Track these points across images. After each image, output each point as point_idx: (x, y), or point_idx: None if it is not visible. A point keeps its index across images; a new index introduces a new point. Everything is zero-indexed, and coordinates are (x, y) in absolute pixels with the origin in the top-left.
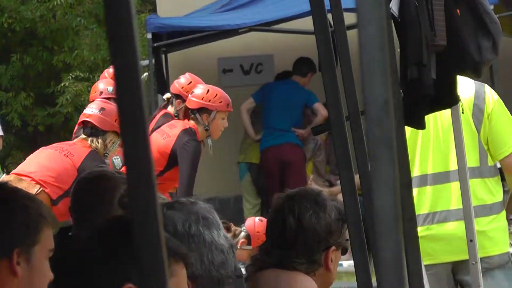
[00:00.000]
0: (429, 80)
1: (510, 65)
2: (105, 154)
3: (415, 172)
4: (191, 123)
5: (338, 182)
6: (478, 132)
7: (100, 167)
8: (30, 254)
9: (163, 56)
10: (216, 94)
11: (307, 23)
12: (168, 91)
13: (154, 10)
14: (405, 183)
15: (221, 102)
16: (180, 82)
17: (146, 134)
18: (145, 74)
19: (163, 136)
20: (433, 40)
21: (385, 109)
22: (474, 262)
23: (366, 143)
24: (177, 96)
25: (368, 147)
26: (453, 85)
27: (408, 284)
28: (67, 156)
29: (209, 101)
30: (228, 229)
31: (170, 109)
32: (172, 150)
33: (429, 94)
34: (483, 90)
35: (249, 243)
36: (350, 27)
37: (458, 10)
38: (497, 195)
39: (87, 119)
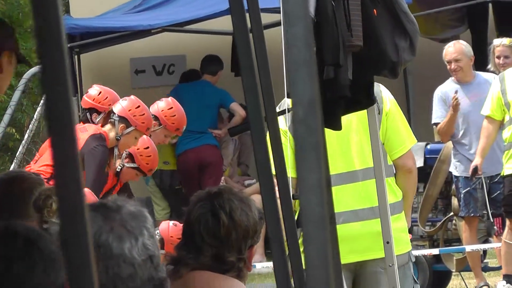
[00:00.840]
0: (345, 81)
1: (424, 66)
2: (116, 138)
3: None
4: (105, 127)
5: (248, 183)
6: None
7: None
8: None
9: (76, 57)
10: (144, 114)
11: (219, 23)
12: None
13: (67, 11)
14: (328, 183)
15: (143, 123)
16: (126, 104)
17: (73, 135)
18: None
19: None
20: (349, 40)
21: (311, 109)
22: (390, 264)
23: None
24: (121, 118)
25: (295, 148)
26: (370, 86)
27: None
28: None
29: (134, 115)
30: None
31: (109, 129)
32: (80, 155)
33: (345, 95)
34: (379, 89)
35: (162, 248)
36: (266, 26)
37: (375, 10)
38: (399, 194)
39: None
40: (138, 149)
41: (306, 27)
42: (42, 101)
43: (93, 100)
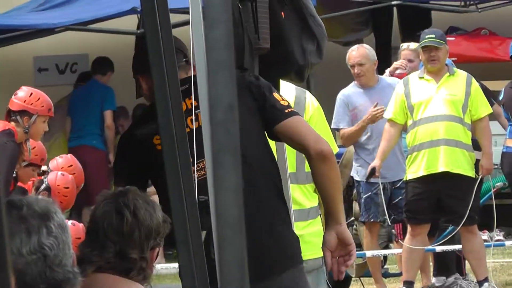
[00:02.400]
0: None
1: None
2: (25, 131)
3: None
4: (11, 124)
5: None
6: None
7: None
8: None
9: None
10: (39, 98)
11: (122, 23)
12: None
13: None
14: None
15: (42, 106)
16: (19, 96)
17: None
18: None
19: None
20: (257, 43)
21: (230, 112)
22: None
23: (209, 146)
24: (21, 112)
25: (213, 151)
26: (276, 88)
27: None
28: None
29: (31, 104)
30: None
31: (15, 126)
32: None
33: None
34: (304, 96)
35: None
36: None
37: (283, 13)
38: (313, 200)
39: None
40: (58, 185)
41: (227, 31)
42: None
43: (24, 102)
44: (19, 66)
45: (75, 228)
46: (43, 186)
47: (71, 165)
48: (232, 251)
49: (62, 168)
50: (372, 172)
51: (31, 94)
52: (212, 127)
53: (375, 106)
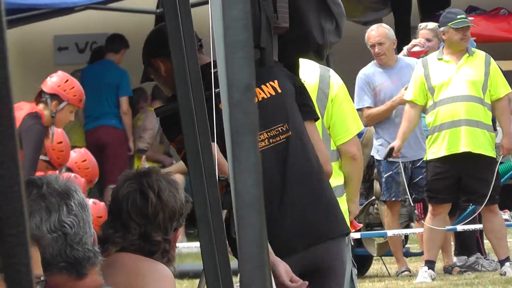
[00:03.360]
0: (270, 62)
1: (346, 48)
2: (51, 116)
3: None
4: (39, 107)
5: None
6: (322, 116)
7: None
8: None
9: None
10: (73, 87)
11: (142, 2)
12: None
13: None
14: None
15: (75, 95)
16: (54, 80)
17: (11, 114)
18: None
19: None
20: (275, 22)
21: (248, 92)
22: None
23: (228, 127)
24: (52, 96)
25: (231, 131)
26: (295, 67)
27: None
28: None
29: (64, 90)
30: None
31: (43, 108)
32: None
33: None
34: (328, 74)
35: None
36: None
37: None
38: (339, 179)
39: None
40: (76, 162)
41: (245, 10)
42: None
43: (58, 86)
44: (39, 45)
45: (96, 207)
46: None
47: (85, 160)
48: (251, 230)
49: (76, 163)
50: (390, 151)
51: (67, 80)
52: (230, 108)
53: (406, 88)
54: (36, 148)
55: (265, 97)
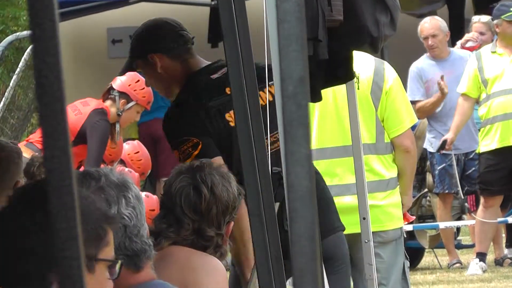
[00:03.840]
0: (324, 55)
1: (400, 41)
2: (118, 114)
3: (313, 145)
4: (106, 103)
5: None
6: (376, 108)
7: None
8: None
9: None
10: (143, 88)
11: None
12: None
13: None
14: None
15: (144, 97)
16: (126, 80)
17: (63, 107)
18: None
19: (75, 112)
20: (330, 15)
21: (301, 86)
22: (366, 241)
23: (282, 119)
24: (122, 94)
25: (284, 124)
26: (349, 60)
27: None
28: (76, 115)
29: (134, 90)
30: None
31: (110, 105)
32: (82, 128)
33: (324, 69)
34: (383, 67)
35: None
36: None
37: None
38: (393, 171)
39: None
40: (128, 154)
41: (298, 2)
42: (18, 69)
43: (129, 85)
44: (93, 37)
45: (148, 200)
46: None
47: (138, 152)
48: (304, 223)
49: (128, 154)
50: (443, 144)
51: (138, 81)
52: (283, 101)
53: (442, 79)
54: (102, 144)
55: (262, 104)
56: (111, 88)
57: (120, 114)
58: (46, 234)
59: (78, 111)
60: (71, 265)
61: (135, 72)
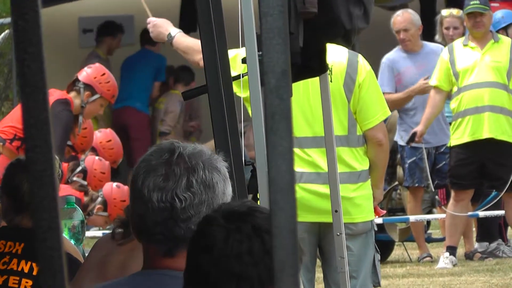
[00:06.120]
0: (296, 48)
1: (371, 33)
2: (82, 106)
3: None
4: (70, 94)
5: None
6: (349, 101)
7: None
8: None
9: None
10: (109, 81)
11: None
12: None
13: None
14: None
15: (109, 90)
16: (91, 72)
17: (45, 98)
18: (6, 31)
19: None
20: (302, 7)
21: (283, 79)
22: (338, 233)
23: (264, 113)
24: (87, 86)
25: (266, 116)
26: (322, 52)
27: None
28: None
29: (99, 83)
30: (86, 193)
31: (74, 96)
32: None
33: (296, 62)
34: (356, 59)
35: (105, 210)
36: None
37: None
38: (365, 164)
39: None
40: (100, 142)
41: None
42: None
43: (94, 78)
44: (64, 27)
45: (119, 191)
46: (79, 168)
47: (110, 140)
48: (284, 216)
49: (100, 142)
50: (413, 136)
51: (104, 74)
52: (265, 93)
53: (425, 78)
54: (64, 134)
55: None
56: (77, 80)
57: (84, 106)
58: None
59: None
60: (52, 255)
61: (101, 65)
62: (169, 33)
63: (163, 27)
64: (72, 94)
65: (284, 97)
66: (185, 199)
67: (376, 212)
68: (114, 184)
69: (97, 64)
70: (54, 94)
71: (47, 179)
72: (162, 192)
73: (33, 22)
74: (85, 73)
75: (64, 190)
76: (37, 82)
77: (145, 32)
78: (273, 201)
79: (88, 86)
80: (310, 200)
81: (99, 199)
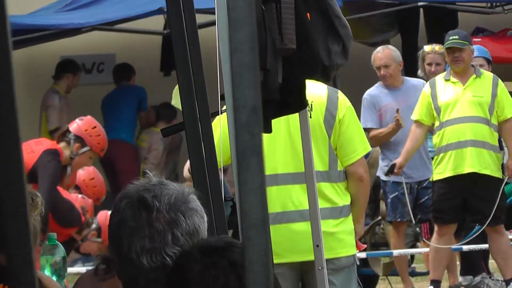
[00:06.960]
0: (274, 84)
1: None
2: (71, 157)
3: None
4: (60, 145)
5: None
6: (329, 137)
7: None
8: None
9: None
10: (99, 135)
11: (148, 23)
12: None
13: None
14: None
15: (99, 143)
16: (82, 124)
17: (17, 135)
18: None
19: (27, 151)
20: (280, 43)
21: (254, 114)
22: (320, 268)
23: (235, 148)
24: (77, 138)
25: (237, 153)
26: (301, 89)
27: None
28: (28, 153)
29: (90, 136)
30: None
31: (64, 147)
32: (33, 167)
33: (275, 98)
34: (336, 95)
35: (99, 236)
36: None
37: (308, 14)
38: (346, 199)
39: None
40: (83, 180)
41: (251, 32)
42: None
43: (85, 130)
44: (45, 65)
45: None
46: (94, 226)
47: (93, 178)
48: (257, 251)
49: (83, 180)
50: (392, 168)
51: (95, 127)
52: (236, 129)
53: (397, 111)
54: (52, 183)
55: None
56: (67, 131)
57: (73, 157)
58: None
59: (30, 149)
60: None
61: (92, 118)
62: None
63: None
64: (62, 144)
65: (254, 133)
66: (174, 254)
67: (357, 247)
68: (109, 212)
69: (89, 117)
70: (44, 144)
71: (20, 216)
72: (151, 253)
73: (3, 59)
74: (76, 125)
75: (72, 198)
76: (8, 122)
77: (117, 70)
78: (245, 236)
79: (78, 138)
80: (293, 240)
81: (94, 225)
